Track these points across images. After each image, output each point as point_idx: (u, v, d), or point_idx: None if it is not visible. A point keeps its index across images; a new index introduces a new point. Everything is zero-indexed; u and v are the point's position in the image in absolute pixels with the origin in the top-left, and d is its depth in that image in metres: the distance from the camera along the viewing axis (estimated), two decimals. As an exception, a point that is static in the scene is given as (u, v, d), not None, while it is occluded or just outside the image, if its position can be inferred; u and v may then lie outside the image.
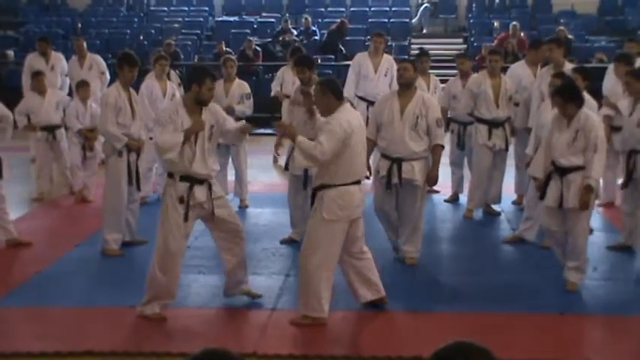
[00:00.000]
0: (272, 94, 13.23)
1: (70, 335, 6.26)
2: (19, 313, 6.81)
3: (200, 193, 6.49)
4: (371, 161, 8.24)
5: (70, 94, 13.21)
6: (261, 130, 13.30)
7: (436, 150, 7.88)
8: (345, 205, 6.37)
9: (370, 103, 10.78)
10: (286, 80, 12.57)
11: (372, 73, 11.43)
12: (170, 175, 6.54)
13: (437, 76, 11.65)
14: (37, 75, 11.15)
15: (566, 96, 7.17)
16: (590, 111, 7.41)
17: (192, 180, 6.47)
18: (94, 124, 10.65)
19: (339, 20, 20.62)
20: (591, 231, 8.99)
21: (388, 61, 11.67)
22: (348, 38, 19.79)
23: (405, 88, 7.85)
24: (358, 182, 6.49)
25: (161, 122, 6.48)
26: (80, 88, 11.01)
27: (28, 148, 11.51)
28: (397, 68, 8.18)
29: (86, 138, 10.78)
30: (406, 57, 12.65)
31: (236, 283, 6.91)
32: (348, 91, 10.90)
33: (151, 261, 6.62)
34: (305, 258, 6.44)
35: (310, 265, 6.39)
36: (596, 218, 9.60)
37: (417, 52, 19.74)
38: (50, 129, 10.90)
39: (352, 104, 10.73)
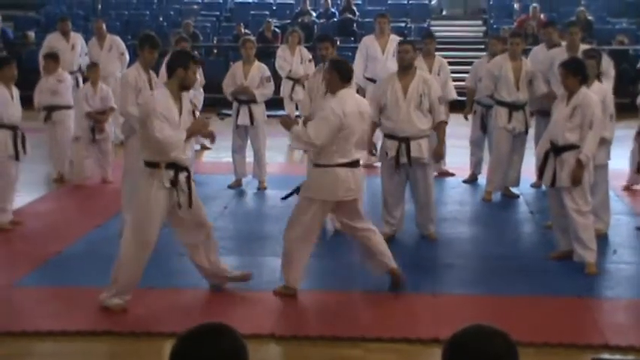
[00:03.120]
0: (284, 75, 13.36)
1: (90, 315, 6.31)
2: (40, 292, 6.87)
3: (183, 181, 6.30)
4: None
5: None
6: (281, 112, 13.32)
7: (440, 126, 8.16)
8: (328, 186, 6.49)
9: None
10: (287, 60, 13.16)
11: (379, 54, 11.48)
12: (152, 165, 6.25)
13: (456, 58, 11.63)
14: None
15: (569, 68, 7.31)
16: (592, 92, 7.43)
17: (177, 167, 6.26)
18: (104, 106, 10.63)
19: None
20: None
21: (395, 40, 11.71)
22: (367, 20, 19.68)
23: (407, 69, 7.97)
24: (350, 165, 6.53)
25: (158, 116, 6.09)
26: (90, 70, 10.89)
27: (41, 129, 11.58)
28: (398, 50, 8.25)
29: (95, 121, 10.72)
30: (407, 39, 12.65)
31: (218, 275, 6.85)
32: (356, 73, 10.89)
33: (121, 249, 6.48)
34: (285, 231, 6.66)
35: (291, 241, 6.61)
36: (616, 202, 9.58)
37: (437, 34, 19.78)
38: (48, 109, 10.74)
39: (360, 87, 10.79)
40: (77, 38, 13.95)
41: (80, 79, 13.74)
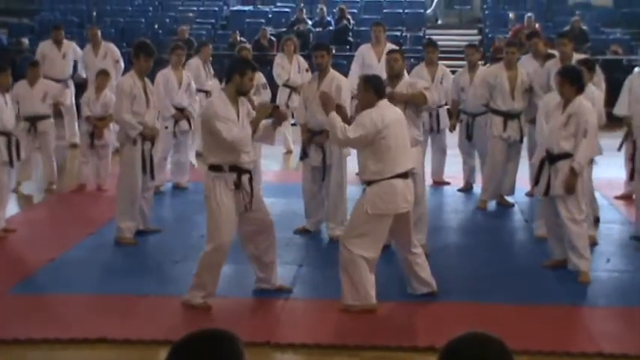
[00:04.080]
0: (281, 83, 13.33)
1: (83, 322, 6.30)
2: (34, 300, 6.85)
3: (246, 183, 6.55)
4: None
5: (82, 81, 13.40)
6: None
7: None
8: (389, 199, 6.44)
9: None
10: (285, 68, 13.25)
11: (375, 63, 11.48)
12: (216, 168, 6.51)
13: (451, 67, 11.65)
14: (34, 65, 10.97)
15: (567, 76, 7.31)
16: (586, 100, 7.43)
17: (239, 170, 6.52)
18: (105, 112, 10.62)
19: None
20: (597, 220, 9.00)
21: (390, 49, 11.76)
22: (362, 28, 19.73)
23: (396, 78, 7.88)
24: (403, 176, 6.52)
25: (220, 119, 6.36)
26: (98, 77, 10.92)
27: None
28: (387, 60, 8.14)
29: (94, 126, 10.71)
30: (402, 47, 12.84)
31: (264, 278, 6.93)
32: (352, 82, 10.91)
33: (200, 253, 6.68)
34: (349, 251, 6.50)
35: (354, 256, 6.47)
36: (610, 210, 9.61)
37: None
38: (32, 120, 10.50)
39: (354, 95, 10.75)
40: (69, 46, 13.94)
41: (72, 87, 13.74)
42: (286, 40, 13.89)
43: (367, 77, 6.81)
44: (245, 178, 6.55)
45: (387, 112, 6.51)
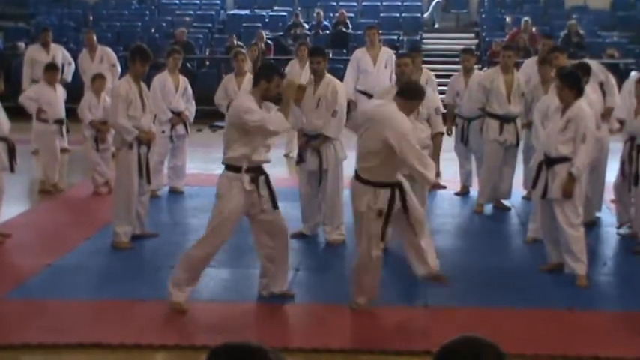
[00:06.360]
0: None
1: (79, 327, 6.29)
2: (30, 305, 6.82)
3: (262, 182, 6.60)
4: None
5: (75, 83, 13.38)
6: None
7: (437, 138, 8.15)
8: None
9: (371, 96, 10.80)
10: (293, 74, 12.91)
11: (371, 67, 11.50)
12: (233, 169, 6.50)
13: (448, 71, 11.68)
14: (52, 68, 11.18)
15: (565, 81, 7.30)
16: (586, 104, 7.41)
17: (256, 171, 6.56)
18: (106, 116, 10.63)
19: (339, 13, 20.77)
20: (593, 223, 9.00)
21: (386, 53, 11.79)
22: (359, 32, 19.76)
23: None
24: None
25: (247, 110, 6.37)
26: (95, 81, 10.99)
27: (27, 141, 11.63)
28: (397, 64, 8.25)
29: (98, 130, 10.76)
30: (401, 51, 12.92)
31: (269, 283, 6.90)
32: (347, 87, 10.93)
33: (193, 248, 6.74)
34: None
35: None
36: (606, 214, 9.61)
37: (429, 46, 19.77)
38: (62, 122, 10.97)
39: (352, 100, 10.78)
40: (57, 49, 13.93)
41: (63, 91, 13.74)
42: (300, 44, 13.73)
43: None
44: (261, 179, 6.59)
45: None
